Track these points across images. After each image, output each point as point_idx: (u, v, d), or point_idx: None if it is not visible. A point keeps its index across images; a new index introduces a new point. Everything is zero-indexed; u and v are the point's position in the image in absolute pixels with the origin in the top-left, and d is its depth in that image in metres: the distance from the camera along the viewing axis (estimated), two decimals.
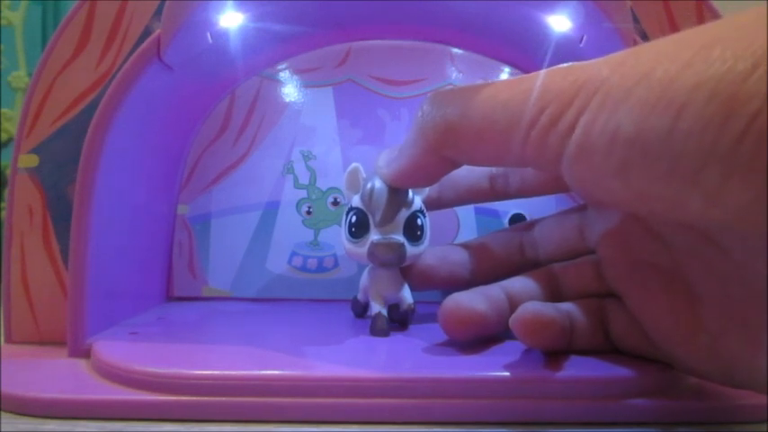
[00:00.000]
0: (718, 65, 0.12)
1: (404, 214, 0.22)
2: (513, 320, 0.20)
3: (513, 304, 0.21)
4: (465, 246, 0.25)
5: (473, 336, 0.21)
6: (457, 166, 0.20)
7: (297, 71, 0.31)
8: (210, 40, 0.25)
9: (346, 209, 0.23)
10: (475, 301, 0.21)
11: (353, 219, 0.22)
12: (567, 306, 0.21)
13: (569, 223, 0.24)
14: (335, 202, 0.31)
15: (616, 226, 0.20)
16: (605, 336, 0.21)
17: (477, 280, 0.24)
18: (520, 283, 0.22)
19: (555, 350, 0.20)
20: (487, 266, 0.25)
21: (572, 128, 0.15)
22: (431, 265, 0.24)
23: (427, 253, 0.24)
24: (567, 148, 0.15)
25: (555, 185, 0.23)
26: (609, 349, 0.21)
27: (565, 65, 0.16)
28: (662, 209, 0.14)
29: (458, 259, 0.25)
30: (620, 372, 0.19)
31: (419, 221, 0.23)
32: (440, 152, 0.19)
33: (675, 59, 0.13)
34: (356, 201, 0.23)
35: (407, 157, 0.20)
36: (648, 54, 0.14)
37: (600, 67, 0.15)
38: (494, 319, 0.21)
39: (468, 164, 0.20)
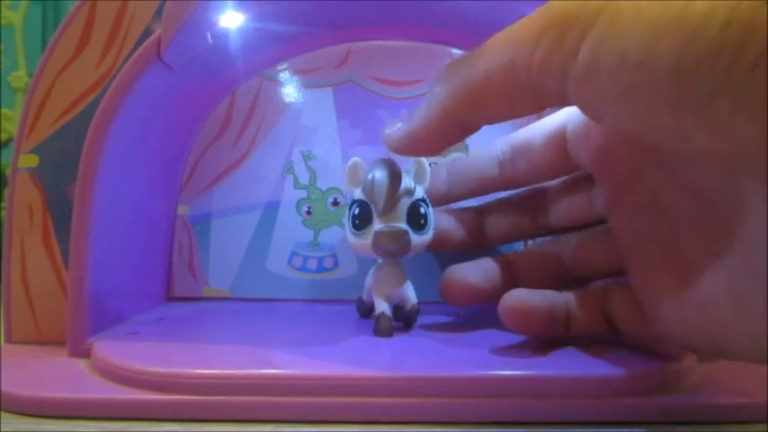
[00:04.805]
0: None
1: (406, 202, 0.22)
2: (499, 308, 0.21)
3: (516, 279, 0.23)
4: (478, 210, 0.26)
5: (469, 303, 0.24)
6: (466, 133, 0.20)
7: (297, 71, 0.31)
8: (210, 40, 0.25)
9: (349, 203, 0.23)
10: (471, 274, 0.23)
11: (356, 211, 0.22)
12: (562, 294, 0.21)
13: (579, 190, 0.23)
14: (336, 203, 0.31)
15: (625, 198, 0.20)
16: (605, 323, 0.21)
17: (485, 243, 0.26)
18: (525, 258, 0.24)
19: (548, 337, 0.21)
20: (500, 231, 0.25)
21: (577, 47, 0.15)
22: (446, 229, 0.25)
23: (442, 217, 0.25)
24: (573, 68, 0.15)
25: (562, 164, 0.23)
26: (609, 336, 0.21)
27: None
28: (669, 139, 0.14)
29: (471, 223, 0.26)
30: (620, 371, 0.19)
31: (422, 210, 0.23)
32: (453, 113, 0.18)
33: None
34: (358, 194, 0.23)
35: (417, 121, 0.20)
36: None
37: None
38: (488, 290, 0.23)
39: (481, 121, 0.19)
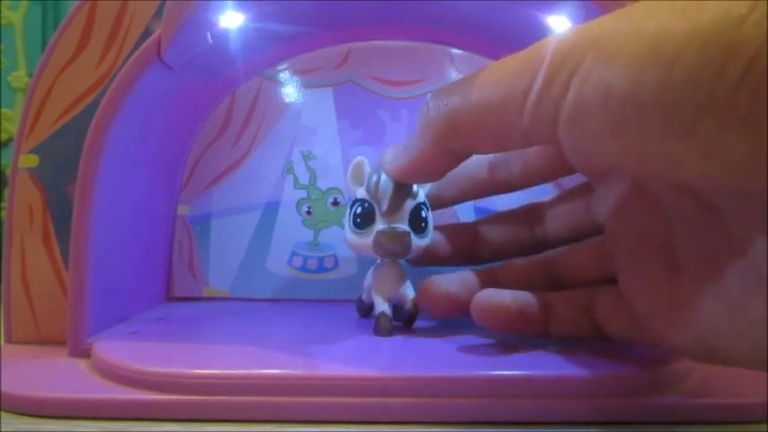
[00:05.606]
0: (712, 11, 0.12)
1: (409, 204, 0.22)
2: (471, 306, 0.21)
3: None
4: (474, 224, 0.26)
5: (446, 313, 0.23)
6: (462, 159, 0.20)
7: (297, 71, 0.32)
8: (210, 40, 0.25)
9: (351, 202, 0.23)
10: (448, 283, 0.22)
11: (359, 210, 0.22)
12: (542, 293, 0.21)
13: (577, 200, 0.23)
14: (335, 203, 0.31)
15: (623, 198, 0.20)
16: (589, 324, 0.21)
17: (482, 257, 0.25)
18: (509, 269, 0.23)
19: (523, 335, 0.21)
20: (497, 245, 0.25)
21: (565, 89, 0.15)
22: (440, 243, 0.25)
23: (437, 232, 0.25)
24: (563, 111, 0.15)
25: (557, 166, 0.23)
26: (592, 338, 0.21)
27: (558, 32, 0.16)
28: (659, 169, 0.14)
29: (466, 237, 0.25)
30: (619, 371, 0.19)
31: (423, 213, 0.23)
32: (445, 144, 0.19)
33: (669, 10, 0.13)
34: (361, 193, 0.23)
35: (413, 150, 0.20)
36: (643, 9, 0.14)
37: (592, 27, 0.15)
38: (467, 300, 0.22)
39: (474, 152, 0.20)
